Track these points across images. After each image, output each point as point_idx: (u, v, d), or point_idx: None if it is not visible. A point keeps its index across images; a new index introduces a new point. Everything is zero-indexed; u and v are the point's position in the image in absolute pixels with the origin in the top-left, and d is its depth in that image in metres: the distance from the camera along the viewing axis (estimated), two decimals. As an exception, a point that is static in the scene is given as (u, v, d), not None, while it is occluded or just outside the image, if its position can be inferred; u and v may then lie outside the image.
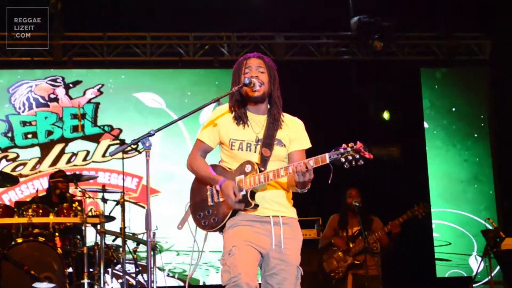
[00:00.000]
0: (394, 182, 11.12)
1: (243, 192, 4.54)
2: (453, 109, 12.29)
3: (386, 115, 11.90)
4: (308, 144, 4.80)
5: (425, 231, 11.35)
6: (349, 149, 4.26)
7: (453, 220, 11.85)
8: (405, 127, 11.69)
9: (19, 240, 7.99)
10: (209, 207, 4.74)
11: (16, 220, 8.18)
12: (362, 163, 4.26)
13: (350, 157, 4.25)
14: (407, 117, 11.84)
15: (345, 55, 12.11)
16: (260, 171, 4.56)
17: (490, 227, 9.94)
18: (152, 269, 7.89)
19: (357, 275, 9.09)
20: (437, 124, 12.19)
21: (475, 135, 12.22)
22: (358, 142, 4.28)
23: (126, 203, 8.84)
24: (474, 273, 10.32)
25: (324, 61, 11.97)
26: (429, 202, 11.21)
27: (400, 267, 10.52)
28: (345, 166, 4.27)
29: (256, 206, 4.57)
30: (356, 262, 9.07)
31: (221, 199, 4.67)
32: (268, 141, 4.69)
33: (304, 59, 11.98)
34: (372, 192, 9.91)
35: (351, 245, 9.09)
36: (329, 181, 4.30)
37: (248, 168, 4.60)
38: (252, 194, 4.58)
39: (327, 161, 4.29)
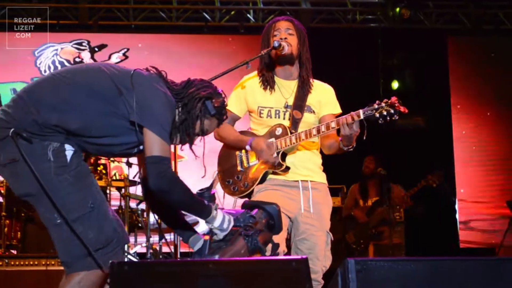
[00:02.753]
0: (419, 152, 11.06)
1: (274, 155, 4.54)
2: (479, 78, 12.18)
3: (395, 85, 11.75)
4: (339, 109, 4.78)
5: (448, 200, 11.30)
6: (383, 104, 4.23)
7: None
8: (431, 96, 11.59)
9: (45, 202, 8.04)
10: (238, 173, 4.74)
11: (41, 182, 8.22)
12: (397, 118, 4.23)
13: (384, 112, 4.23)
14: (433, 86, 11.73)
15: (372, 22, 12.01)
16: (291, 133, 4.54)
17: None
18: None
19: (379, 246, 9.10)
20: (463, 94, 12.08)
21: (502, 105, 12.09)
22: (392, 97, 4.26)
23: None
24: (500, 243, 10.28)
25: (350, 29, 11.88)
26: (454, 174, 11.16)
27: (423, 236, 10.50)
28: (380, 122, 4.24)
29: (288, 168, 4.56)
30: (375, 232, 9.07)
31: (250, 163, 4.68)
32: (300, 103, 4.66)
33: (330, 26, 11.90)
34: (396, 163, 9.88)
35: (371, 217, 9.10)
36: (364, 137, 4.29)
37: (278, 131, 4.59)
38: (284, 156, 4.57)
39: (361, 116, 4.27)
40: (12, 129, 3.37)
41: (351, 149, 4.49)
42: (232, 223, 3.60)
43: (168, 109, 3.53)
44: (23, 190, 3.50)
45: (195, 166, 10.55)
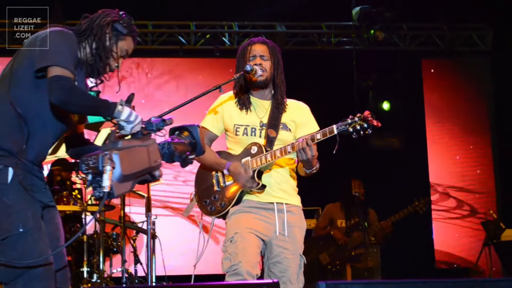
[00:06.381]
0: (394, 173, 11.08)
1: (250, 173, 4.54)
2: (454, 100, 12.24)
3: (386, 106, 11.83)
4: (316, 127, 4.77)
5: (424, 222, 11.31)
6: (356, 118, 4.27)
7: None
8: (406, 118, 11.62)
9: (19, 228, 7.97)
10: (215, 193, 4.74)
11: (16, 207, 8.15)
12: (370, 131, 4.26)
13: (358, 127, 4.26)
14: (408, 107, 11.78)
15: (347, 45, 12.05)
16: (266, 151, 4.55)
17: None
18: (151, 258, 7.86)
19: (356, 267, 9.07)
20: (438, 115, 12.13)
21: (476, 127, 12.16)
22: (365, 111, 4.29)
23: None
24: (475, 263, 10.30)
25: (325, 51, 11.92)
26: (429, 194, 11.19)
27: (399, 258, 10.49)
28: (353, 136, 4.28)
29: (264, 186, 4.57)
30: (353, 254, 9.05)
31: (227, 183, 4.69)
32: (274, 122, 4.69)
33: (305, 49, 11.94)
34: (371, 183, 9.89)
35: (350, 239, 9.07)
36: (334, 152, 4.30)
37: (254, 149, 4.61)
38: (259, 174, 4.58)
39: (335, 132, 4.30)
40: None
41: (315, 171, 4.52)
42: (139, 118, 3.60)
43: (64, 41, 3.65)
44: None
45: (169, 189, 10.46)
